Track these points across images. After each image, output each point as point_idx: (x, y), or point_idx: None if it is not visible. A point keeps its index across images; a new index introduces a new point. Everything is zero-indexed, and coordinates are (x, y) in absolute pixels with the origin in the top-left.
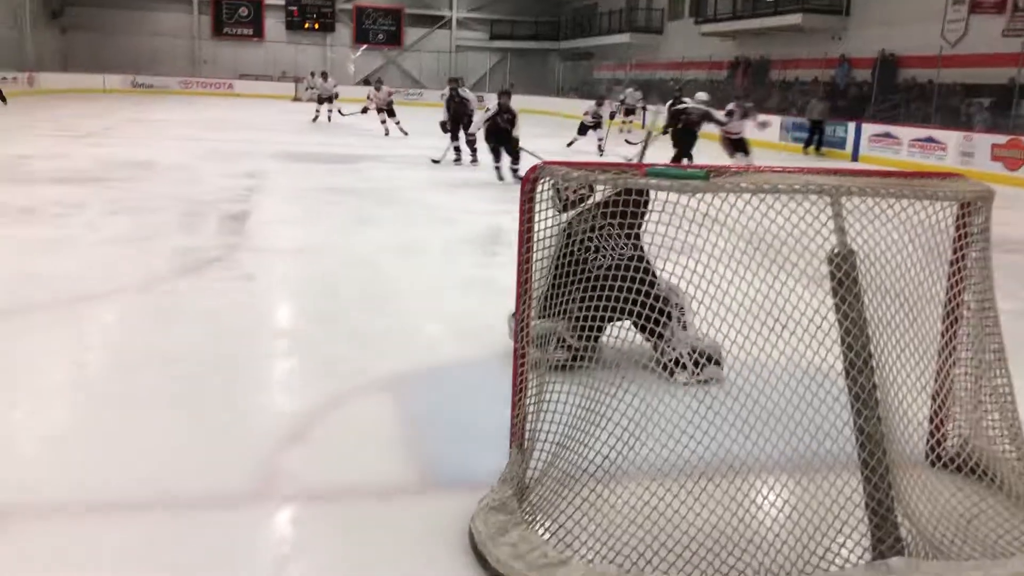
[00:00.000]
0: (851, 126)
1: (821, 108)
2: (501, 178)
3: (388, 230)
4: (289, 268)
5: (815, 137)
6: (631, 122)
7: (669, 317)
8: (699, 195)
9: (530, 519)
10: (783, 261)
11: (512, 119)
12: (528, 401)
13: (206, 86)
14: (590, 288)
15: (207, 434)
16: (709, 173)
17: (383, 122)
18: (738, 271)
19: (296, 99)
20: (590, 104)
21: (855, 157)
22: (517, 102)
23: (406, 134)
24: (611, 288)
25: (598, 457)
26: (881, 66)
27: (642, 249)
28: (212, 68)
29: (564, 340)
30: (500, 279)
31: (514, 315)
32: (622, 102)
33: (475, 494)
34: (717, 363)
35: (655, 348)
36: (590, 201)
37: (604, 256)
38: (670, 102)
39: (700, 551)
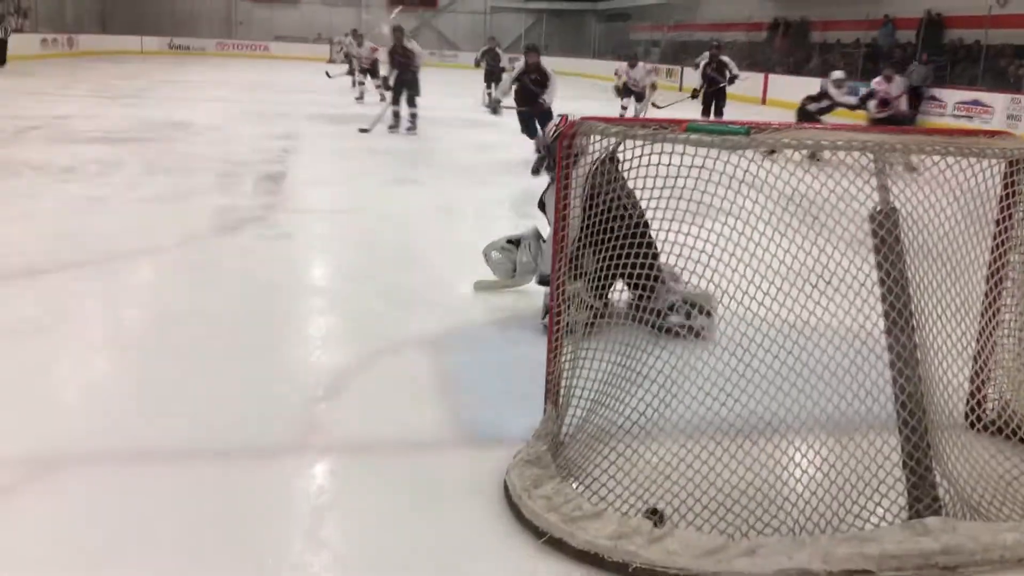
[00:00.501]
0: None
1: (923, 72)
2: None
3: (423, 191)
4: (326, 228)
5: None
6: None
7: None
8: (742, 154)
9: (565, 473)
10: (824, 220)
11: (542, 80)
12: (563, 359)
13: (242, 48)
14: (608, 246)
15: (247, 387)
16: (750, 129)
17: (360, 83)
18: (780, 230)
19: (331, 61)
20: (621, 66)
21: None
22: (553, 64)
23: (383, 99)
24: (625, 247)
25: (633, 414)
26: (927, 27)
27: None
28: (247, 30)
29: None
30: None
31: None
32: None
33: (510, 449)
34: (708, 315)
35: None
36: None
37: (621, 214)
38: (705, 60)
39: (735, 507)
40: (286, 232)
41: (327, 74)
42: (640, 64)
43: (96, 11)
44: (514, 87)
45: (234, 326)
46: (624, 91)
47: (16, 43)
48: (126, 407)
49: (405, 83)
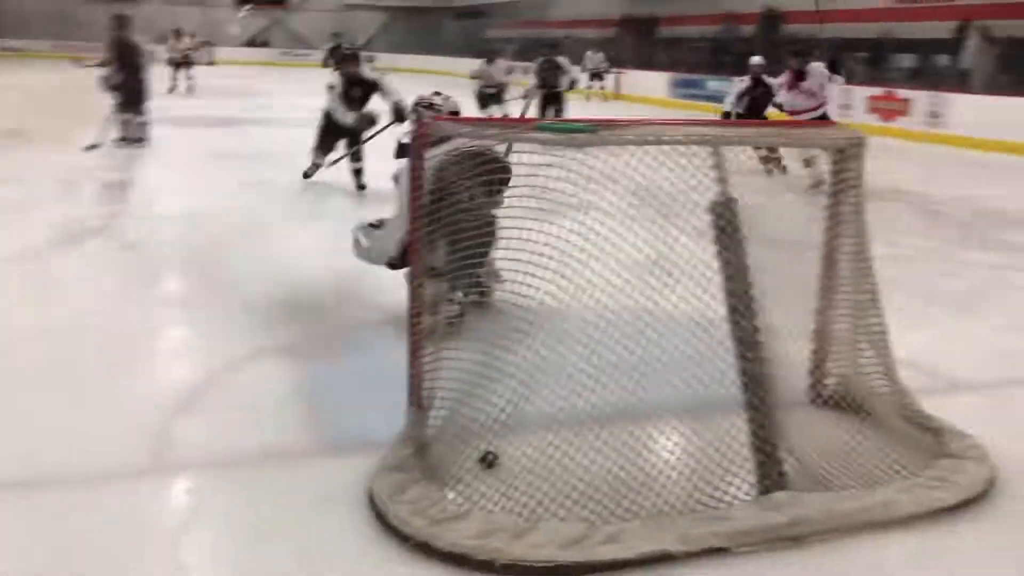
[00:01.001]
0: (736, 81)
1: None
2: (307, 175)
3: (277, 195)
4: (176, 235)
5: None
6: (602, 89)
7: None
8: (590, 150)
9: (430, 476)
10: (667, 212)
11: (368, 92)
12: (424, 360)
13: (80, 50)
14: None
15: (95, 408)
16: (597, 127)
17: (172, 79)
18: (628, 224)
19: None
20: (478, 65)
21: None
22: (408, 62)
23: (191, 92)
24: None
25: (495, 411)
26: (765, 22)
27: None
28: (86, 32)
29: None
30: None
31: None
32: (583, 68)
33: (374, 456)
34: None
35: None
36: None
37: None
38: (541, 61)
39: (596, 495)
40: (133, 241)
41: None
42: (499, 61)
43: None
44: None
45: (79, 343)
46: (482, 99)
47: None
48: None
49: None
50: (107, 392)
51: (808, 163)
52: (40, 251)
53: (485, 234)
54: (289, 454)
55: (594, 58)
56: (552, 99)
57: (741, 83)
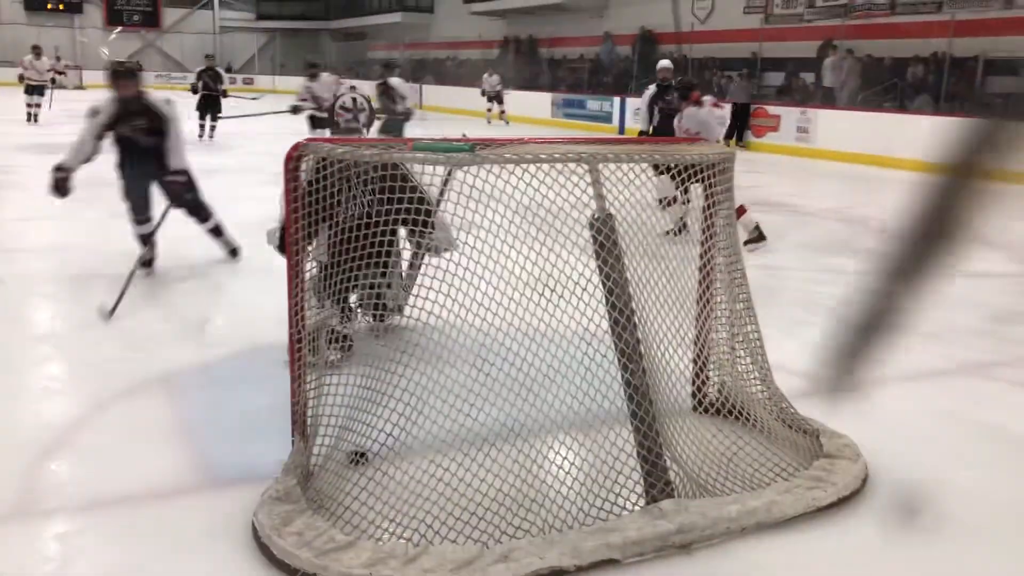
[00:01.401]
0: (616, 101)
1: (745, 87)
2: None
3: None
4: (44, 268)
5: (738, 126)
6: (501, 112)
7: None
8: (472, 169)
9: (316, 506)
10: (549, 230)
11: (155, 125)
12: (308, 387)
13: None
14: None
15: None
16: (475, 146)
17: (29, 105)
18: (511, 243)
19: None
20: (301, 82)
21: (621, 131)
22: (288, 84)
23: (34, 121)
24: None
25: (381, 436)
26: (641, 42)
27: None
28: None
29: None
30: (279, 265)
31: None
32: (483, 92)
33: (259, 488)
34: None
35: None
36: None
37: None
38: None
39: (487, 515)
40: None
41: None
42: (324, 75)
43: None
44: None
45: None
46: (314, 122)
47: None
48: None
49: None
50: None
51: (665, 204)
52: None
53: (385, 251)
54: (169, 491)
55: (490, 80)
56: (392, 128)
57: (649, 90)
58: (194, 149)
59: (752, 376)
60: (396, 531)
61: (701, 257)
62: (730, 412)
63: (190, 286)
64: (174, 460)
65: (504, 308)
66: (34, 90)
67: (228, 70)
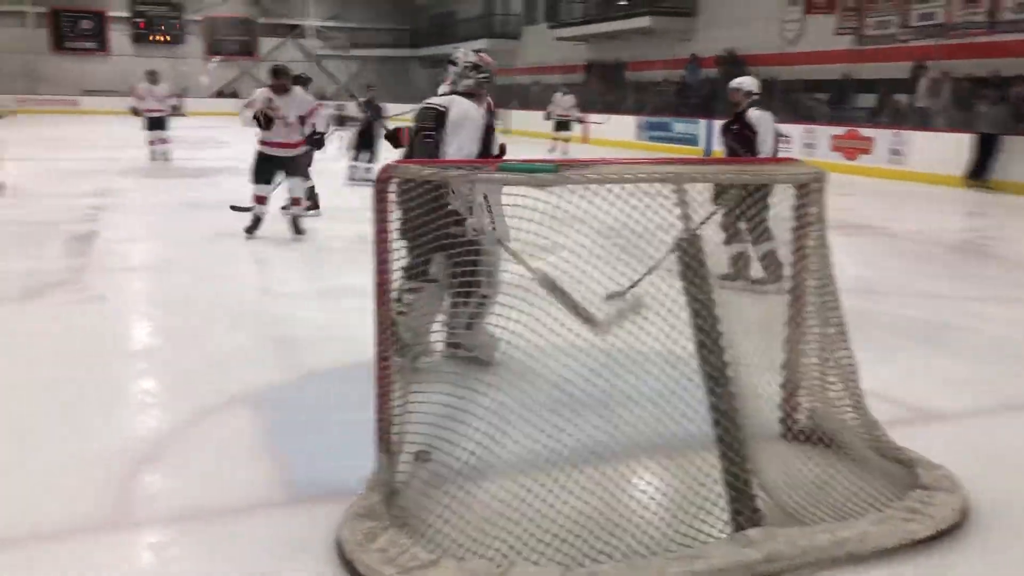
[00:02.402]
0: (702, 123)
1: (994, 117)
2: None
3: (245, 243)
4: (142, 287)
5: (985, 162)
6: (567, 138)
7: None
8: (556, 190)
9: (400, 523)
10: (634, 250)
11: None
12: (393, 405)
13: (48, 104)
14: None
15: (54, 462)
16: (559, 167)
17: (153, 142)
18: (595, 263)
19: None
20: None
21: (708, 152)
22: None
23: (164, 158)
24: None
25: (465, 454)
26: (727, 64)
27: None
28: (54, 85)
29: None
30: (360, 285)
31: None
32: (548, 115)
33: (342, 504)
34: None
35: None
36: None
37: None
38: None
39: (570, 538)
40: (98, 293)
41: None
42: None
43: None
44: None
45: (41, 397)
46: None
47: None
48: None
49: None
50: (69, 445)
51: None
52: (1, 303)
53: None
54: (255, 504)
55: (562, 101)
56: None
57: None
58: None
59: (844, 403)
60: (479, 551)
61: (792, 279)
62: (820, 439)
63: (280, 306)
64: (261, 474)
65: (588, 329)
66: (155, 123)
67: (322, 97)
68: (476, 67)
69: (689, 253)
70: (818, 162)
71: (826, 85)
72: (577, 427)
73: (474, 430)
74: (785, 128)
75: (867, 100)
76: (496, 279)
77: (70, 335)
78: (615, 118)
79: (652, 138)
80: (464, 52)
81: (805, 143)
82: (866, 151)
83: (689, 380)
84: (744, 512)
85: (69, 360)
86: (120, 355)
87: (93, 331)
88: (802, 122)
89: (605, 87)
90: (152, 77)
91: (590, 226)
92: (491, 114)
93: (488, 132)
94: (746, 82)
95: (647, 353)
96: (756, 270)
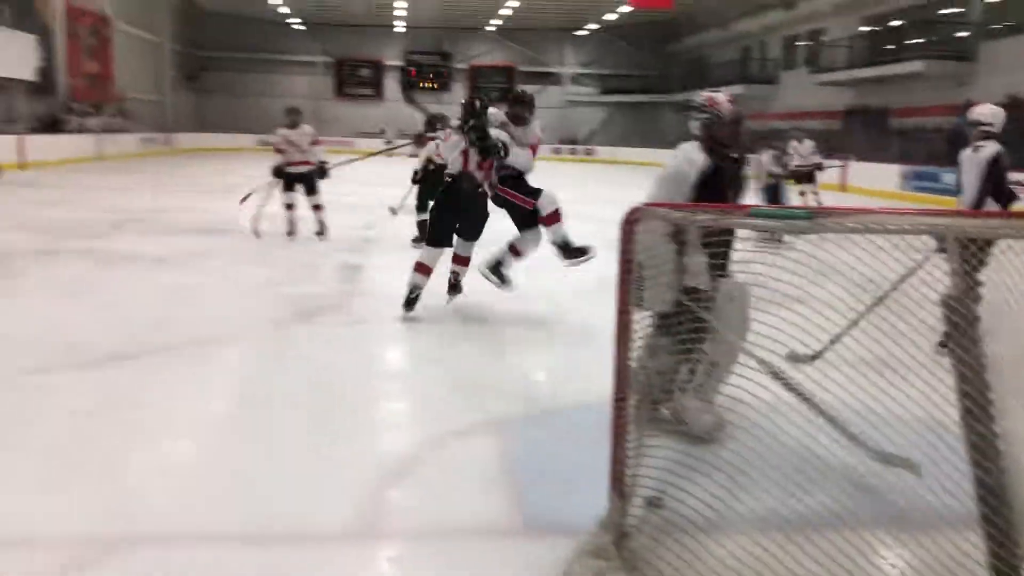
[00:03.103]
0: None
1: None
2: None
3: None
4: (400, 313)
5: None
6: (816, 194)
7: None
8: (807, 238)
9: (630, 567)
10: (892, 304)
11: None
12: (628, 447)
13: (328, 144)
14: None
15: (315, 473)
16: (814, 214)
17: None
18: (850, 318)
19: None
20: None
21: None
22: (629, 154)
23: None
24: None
25: (700, 505)
26: (1009, 110)
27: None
28: (335, 127)
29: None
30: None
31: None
32: (786, 166)
33: (572, 539)
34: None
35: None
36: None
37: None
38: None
39: None
40: (361, 318)
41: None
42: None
43: (193, 111)
44: None
45: (307, 411)
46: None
47: (115, 142)
48: (200, 489)
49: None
50: (327, 459)
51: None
52: (281, 323)
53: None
54: (491, 530)
55: (800, 148)
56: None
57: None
58: None
59: None
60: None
61: None
62: None
63: (523, 340)
64: (497, 501)
65: (840, 387)
66: (296, 180)
67: (573, 142)
68: (700, 108)
69: (958, 312)
70: None
71: None
72: (823, 489)
73: (711, 481)
74: None
75: None
76: (731, 346)
77: (335, 356)
78: (877, 166)
79: (917, 188)
80: (701, 95)
81: None
82: None
83: (951, 450)
84: None
85: (332, 378)
86: (377, 376)
87: (355, 353)
88: None
89: (866, 134)
90: (293, 117)
91: (845, 276)
92: (737, 162)
93: (733, 182)
94: (975, 111)
95: (905, 418)
96: None
